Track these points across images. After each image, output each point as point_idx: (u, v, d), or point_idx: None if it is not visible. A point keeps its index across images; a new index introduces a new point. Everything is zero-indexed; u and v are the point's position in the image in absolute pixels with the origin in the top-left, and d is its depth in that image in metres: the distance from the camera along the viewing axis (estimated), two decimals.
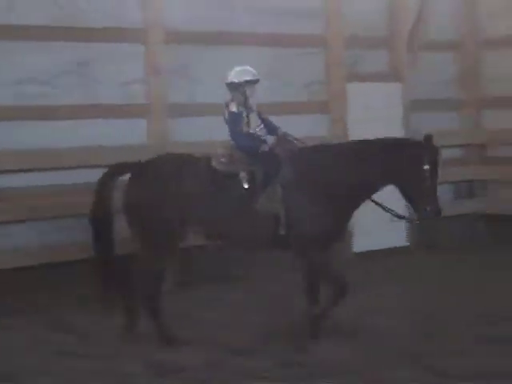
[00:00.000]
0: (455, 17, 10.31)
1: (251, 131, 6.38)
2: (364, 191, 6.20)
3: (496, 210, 9.96)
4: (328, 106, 9.16)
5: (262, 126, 6.45)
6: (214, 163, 6.24)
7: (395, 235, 9.41)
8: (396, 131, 8.70)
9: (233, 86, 6.35)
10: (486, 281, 7.83)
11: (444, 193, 10.23)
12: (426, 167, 5.95)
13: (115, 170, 6.57)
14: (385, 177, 6.13)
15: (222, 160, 6.26)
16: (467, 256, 9.08)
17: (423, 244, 9.50)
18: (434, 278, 8.08)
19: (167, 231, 6.25)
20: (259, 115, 6.47)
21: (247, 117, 6.37)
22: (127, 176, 6.45)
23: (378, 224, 8.44)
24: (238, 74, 6.35)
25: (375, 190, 6.20)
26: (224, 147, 6.38)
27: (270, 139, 6.41)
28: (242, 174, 6.19)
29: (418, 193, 5.99)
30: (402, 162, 6.04)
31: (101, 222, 6.34)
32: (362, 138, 6.58)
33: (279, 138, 6.40)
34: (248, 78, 6.32)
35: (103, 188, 6.43)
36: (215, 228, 6.35)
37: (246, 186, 6.18)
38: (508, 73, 9.70)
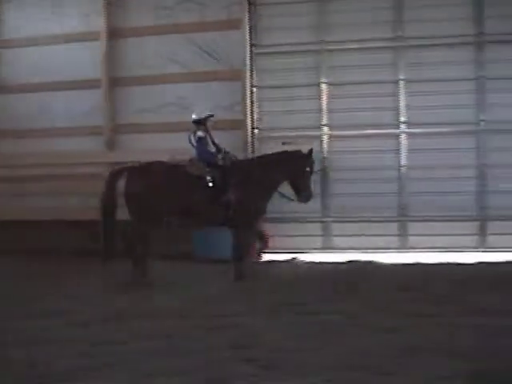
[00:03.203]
0: None
1: (210, 150, 9.38)
2: (275, 184, 9.42)
3: None
4: None
5: (213, 146, 9.41)
6: (188, 169, 9.17)
7: None
8: None
9: (197, 122, 9.38)
10: None
11: None
12: (308, 169, 9.37)
13: (118, 170, 9.39)
14: (286, 175, 9.36)
15: (193, 167, 9.19)
16: None
17: None
18: None
19: (150, 213, 8.99)
20: (212, 140, 9.44)
21: (209, 140, 9.37)
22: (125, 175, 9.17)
23: None
24: (199, 113, 9.46)
25: (280, 183, 9.43)
26: (191, 159, 9.29)
27: (219, 155, 9.38)
28: (208, 177, 9.08)
29: (301, 184, 9.33)
30: (295, 165, 9.35)
31: (107, 206, 9.07)
32: None
33: (223, 155, 9.37)
34: (208, 114, 9.41)
35: (110, 183, 9.15)
36: (188, 211, 9.12)
37: (210, 185, 9.08)
38: None
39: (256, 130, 11.22)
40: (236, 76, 11.20)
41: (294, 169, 9.41)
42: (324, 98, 11.11)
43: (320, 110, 11.12)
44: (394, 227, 10.99)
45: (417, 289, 7.99)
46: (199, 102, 11.28)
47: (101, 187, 11.51)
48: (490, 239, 10.76)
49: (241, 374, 5.01)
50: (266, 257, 10.76)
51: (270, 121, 11.18)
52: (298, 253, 10.81)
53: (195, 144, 9.43)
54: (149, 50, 11.72)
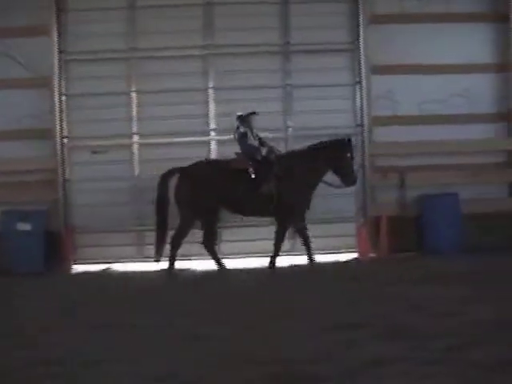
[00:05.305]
0: None
1: (252, 144, 9.76)
2: (321, 175, 9.83)
3: None
4: None
5: (258, 141, 9.85)
6: (232, 164, 9.65)
7: None
8: None
9: (241, 118, 9.79)
10: None
11: None
12: (349, 155, 9.81)
13: (169, 172, 9.70)
14: (329, 164, 9.80)
15: (237, 161, 9.69)
16: None
17: None
18: None
19: (201, 208, 9.62)
20: (257, 135, 9.86)
21: (251, 135, 9.77)
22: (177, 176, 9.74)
23: None
24: (243, 111, 9.84)
25: (325, 173, 9.86)
26: (236, 154, 9.77)
27: (263, 149, 9.80)
28: (250, 170, 9.54)
29: (345, 170, 9.81)
30: (336, 152, 9.81)
31: (161, 206, 9.60)
32: None
33: (268, 149, 9.84)
34: (250, 112, 9.84)
35: (162, 184, 9.66)
36: (234, 203, 9.65)
37: (253, 177, 9.51)
38: None
39: (65, 139, 10.99)
40: (44, 84, 10.93)
41: (336, 156, 9.87)
42: (134, 106, 11.05)
43: (130, 119, 11.06)
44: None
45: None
46: (6, 110, 10.97)
47: None
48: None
49: None
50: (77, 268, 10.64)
51: (81, 129, 10.97)
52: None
53: (238, 139, 9.86)
54: None
